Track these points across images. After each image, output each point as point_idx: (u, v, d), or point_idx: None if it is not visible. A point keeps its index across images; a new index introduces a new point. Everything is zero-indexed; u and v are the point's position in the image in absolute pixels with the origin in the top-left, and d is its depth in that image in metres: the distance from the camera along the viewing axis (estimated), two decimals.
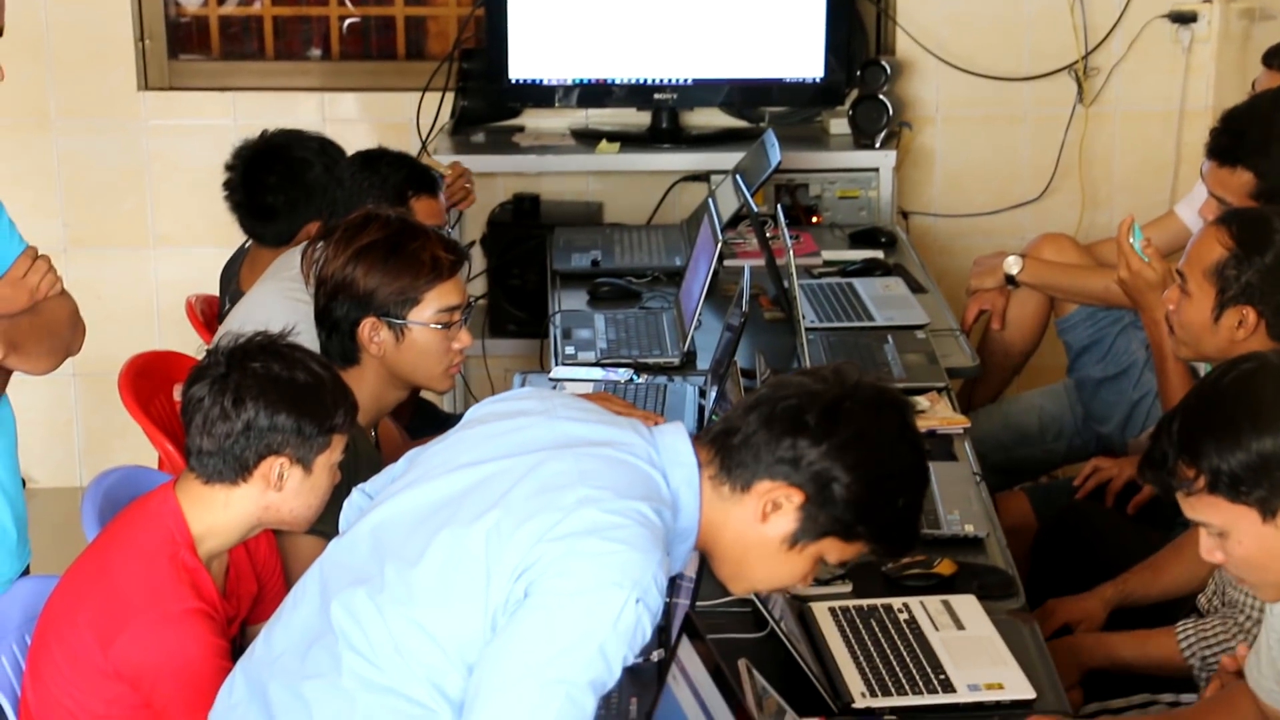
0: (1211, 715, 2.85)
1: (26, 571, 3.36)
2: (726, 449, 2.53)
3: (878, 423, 2.52)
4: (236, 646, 2.97)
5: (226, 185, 4.53)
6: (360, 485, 2.81)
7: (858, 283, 4.83)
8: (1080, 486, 4.17)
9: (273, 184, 4.43)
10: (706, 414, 3.80)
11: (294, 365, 2.95)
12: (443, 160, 5.09)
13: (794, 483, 2.49)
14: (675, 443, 2.54)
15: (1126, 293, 4.02)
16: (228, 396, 2.91)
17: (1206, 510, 2.53)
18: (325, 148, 4.48)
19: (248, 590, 3.12)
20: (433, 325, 3.40)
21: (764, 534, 2.52)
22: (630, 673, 2.45)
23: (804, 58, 5.52)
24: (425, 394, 4.30)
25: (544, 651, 2.34)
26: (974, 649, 3.11)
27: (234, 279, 4.54)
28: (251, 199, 4.46)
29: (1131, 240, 3.93)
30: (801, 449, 2.48)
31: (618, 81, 5.56)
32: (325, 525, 3.01)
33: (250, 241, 4.60)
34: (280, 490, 2.94)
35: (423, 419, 4.38)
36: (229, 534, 2.98)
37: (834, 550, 2.54)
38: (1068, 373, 4.71)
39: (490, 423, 2.61)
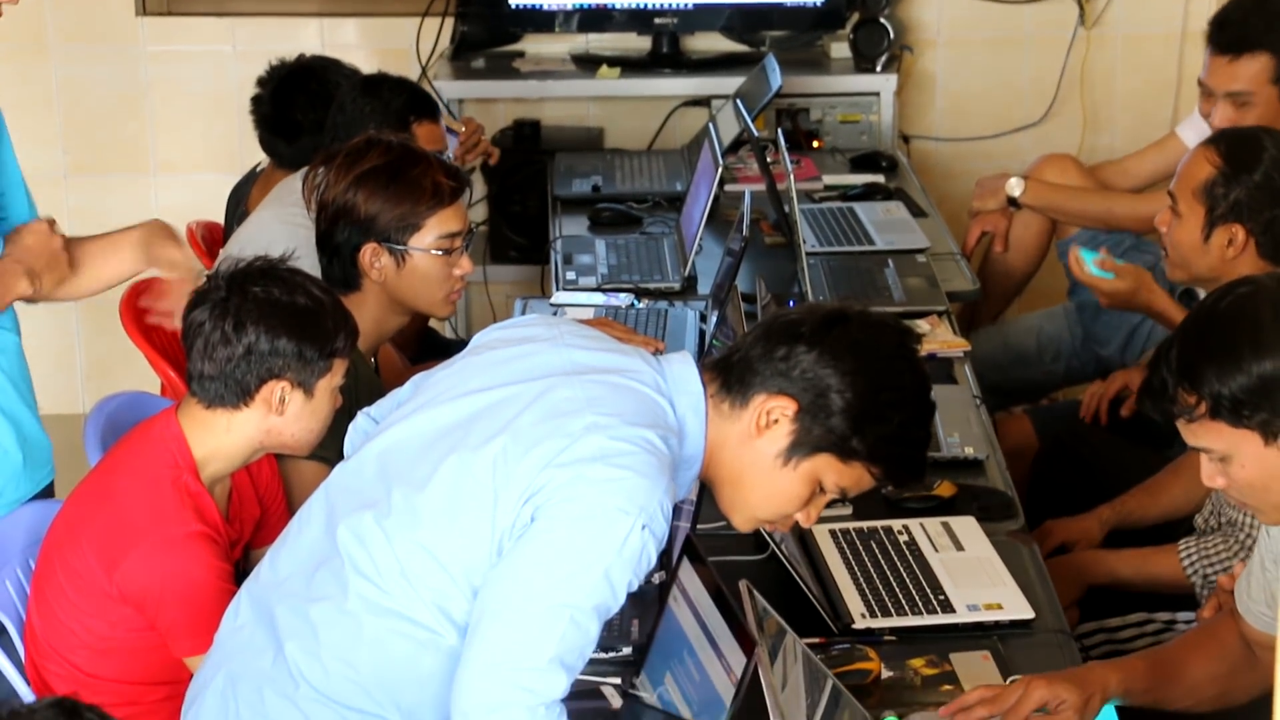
0: (1195, 648, 2.85)
1: (50, 493, 3.36)
2: (727, 368, 2.54)
3: (875, 338, 2.53)
4: (240, 570, 2.99)
5: (254, 100, 4.51)
6: (365, 409, 2.81)
7: (858, 207, 4.82)
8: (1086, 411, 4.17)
9: (302, 102, 4.41)
10: (707, 339, 3.80)
11: (294, 289, 2.95)
12: (449, 97, 5.06)
13: (788, 393, 2.50)
14: (682, 370, 2.55)
15: (1121, 308, 4.06)
16: (228, 321, 2.91)
17: (1208, 436, 2.54)
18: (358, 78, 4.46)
19: (250, 514, 3.13)
20: (434, 251, 3.40)
21: (759, 449, 2.53)
22: (632, 595, 2.47)
23: None
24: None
25: (549, 576, 2.36)
26: (973, 570, 3.13)
27: (242, 203, 4.54)
28: (278, 113, 4.44)
29: (1089, 269, 3.96)
30: (796, 356, 2.49)
31: (618, 6, 5.54)
32: (327, 450, 3.02)
33: (261, 166, 4.59)
34: (282, 414, 2.95)
35: (425, 345, 4.39)
36: (231, 458, 2.99)
37: (831, 471, 2.54)
38: (1068, 295, 4.71)
39: (498, 349, 2.62)
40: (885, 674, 2.83)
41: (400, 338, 3.99)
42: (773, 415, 2.50)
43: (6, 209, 3.27)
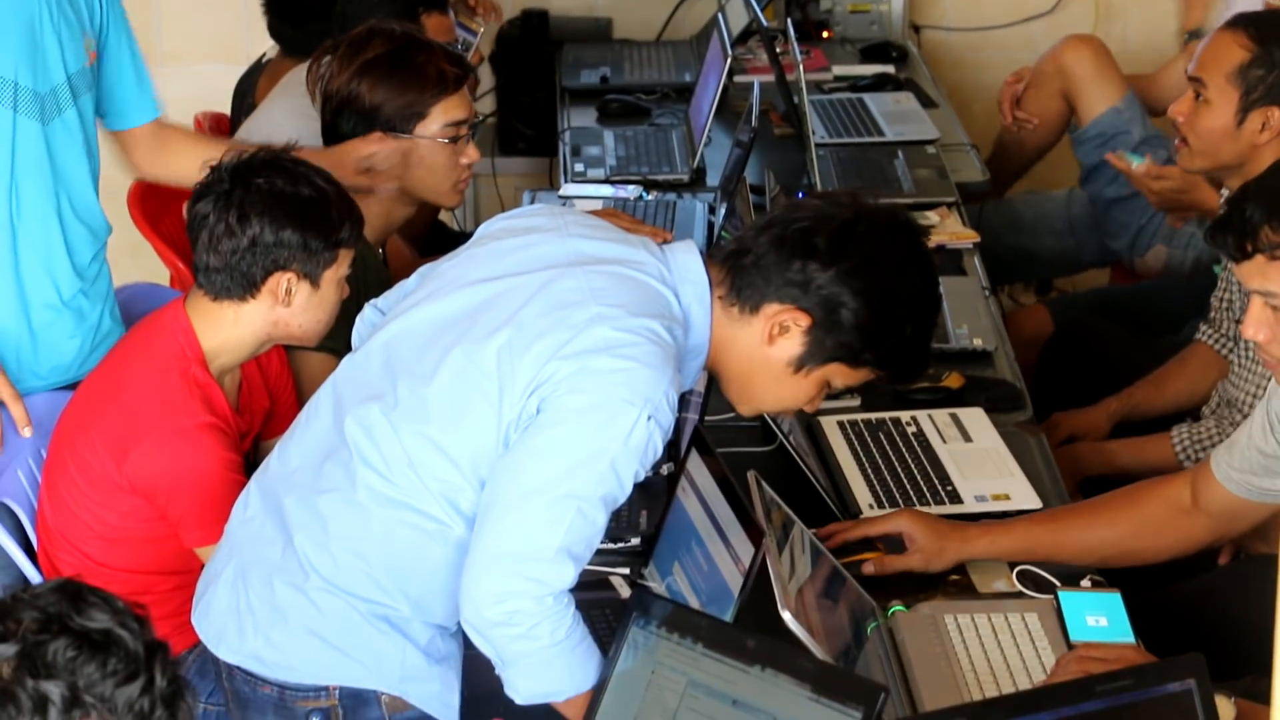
0: (1097, 512, 2.86)
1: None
2: (737, 270, 2.52)
3: (889, 248, 2.51)
4: (249, 462, 3.00)
5: None
6: (373, 301, 2.81)
7: (868, 98, 4.79)
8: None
9: None
10: (716, 231, 3.79)
11: (298, 180, 2.94)
12: None
13: (802, 306, 2.49)
14: (687, 260, 2.54)
15: (1173, 210, 4.03)
16: (232, 213, 2.91)
17: (1278, 278, 2.51)
18: None
19: (260, 405, 3.14)
20: (440, 139, 3.39)
21: (770, 356, 2.52)
22: (640, 486, 2.47)
23: None
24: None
25: (556, 467, 2.36)
26: (981, 461, 3.14)
27: (249, 94, 4.51)
28: None
29: (1134, 165, 3.94)
30: (811, 272, 2.47)
31: None
32: (335, 342, 3.02)
33: (267, 56, 4.56)
34: (288, 306, 2.95)
35: (434, 238, 4.37)
36: (239, 350, 2.99)
37: (840, 375, 2.54)
38: (1080, 184, 4.69)
39: (502, 239, 2.61)
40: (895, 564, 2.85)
41: (409, 230, 3.98)
42: (785, 325, 2.50)
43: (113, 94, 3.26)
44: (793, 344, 2.51)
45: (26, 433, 3.06)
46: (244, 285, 2.93)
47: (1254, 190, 2.53)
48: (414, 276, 2.70)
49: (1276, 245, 2.47)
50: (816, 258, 2.47)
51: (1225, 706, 2.37)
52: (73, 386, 3.19)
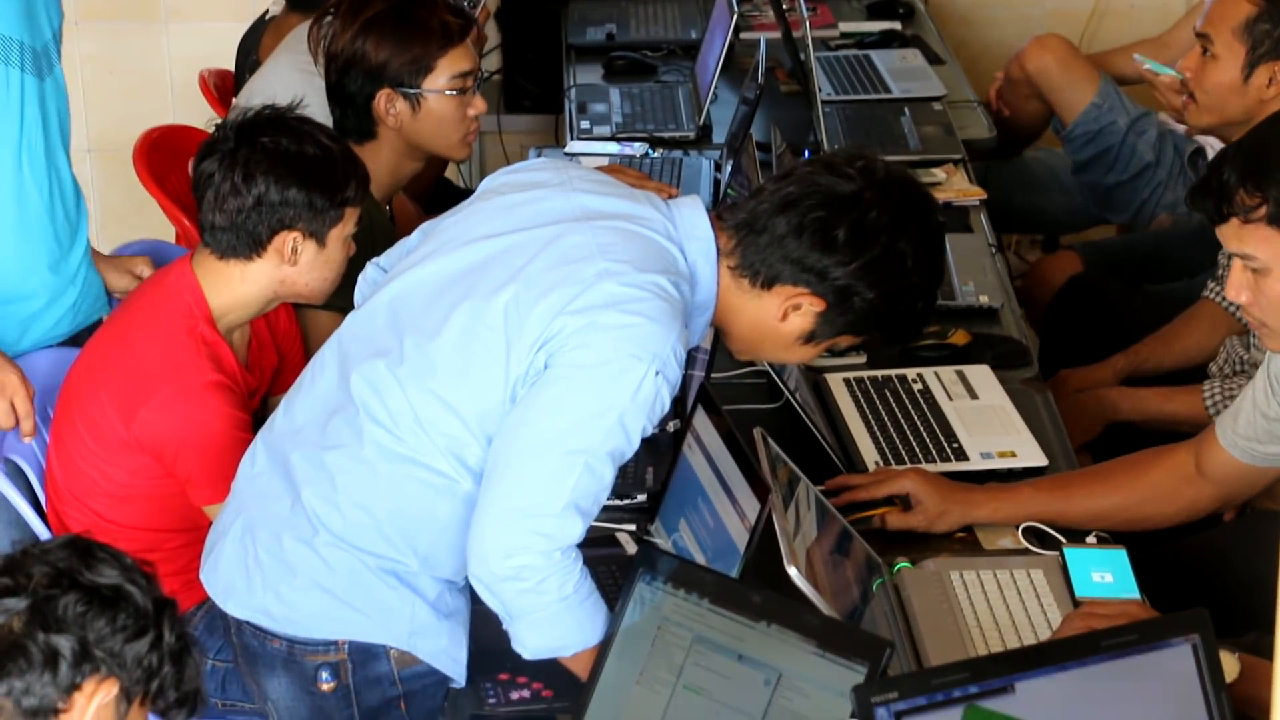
0: (1103, 479, 2.87)
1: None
2: (750, 245, 2.52)
3: (904, 235, 2.51)
4: (259, 419, 3.00)
5: None
6: (374, 259, 2.81)
7: (875, 54, 4.78)
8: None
9: None
10: (722, 188, 3.79)
11: (303, 139, 2.94)
12: None
13: (817, 292, 2.51)
14: (692, 216, 2.54)
15: (1206, 112, 4.02)
16: (237, 172, 2.91)
17: (1255, 241, 2.50)
18: None
19: (269, 363, 3.14)
20: (448, 92, 3.39)
21: (780, 329, 2.55)
22: (646, 443, 2.48)
23: None
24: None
25: (564, 422, 2.37)
26: (987, 418, 3.14)
27: (253, 51, 4.50)
28: None
29: (1156, 71, 3.92)
30: (828, 265, 2.49)
31: None
32: (343, 300, 3.02)
33: (271, 13, 4.54)
34: (295, 264, 2.95)
35: (440, 195, 4.37)
36: (247, 308, 3.00)
37: (845, 341, 2.61)
38: (1073, 173, 4.68)
39: (506, 194, 2.61)
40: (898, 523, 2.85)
41: (415, 187, 3.98)
42: (798, 305, 2.51)
43: None
44: (804, 321, 2.53)
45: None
46: (250, 244, 2.94)
47: (1232, 153, 2.54)
48: (415, 233, 2.70)
49: (1251, 209, 2.47)
50: (835, 252, 2.48)
51: (1229, 661, 2.37)
52: (74, 343, 3.21)
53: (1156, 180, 4.44)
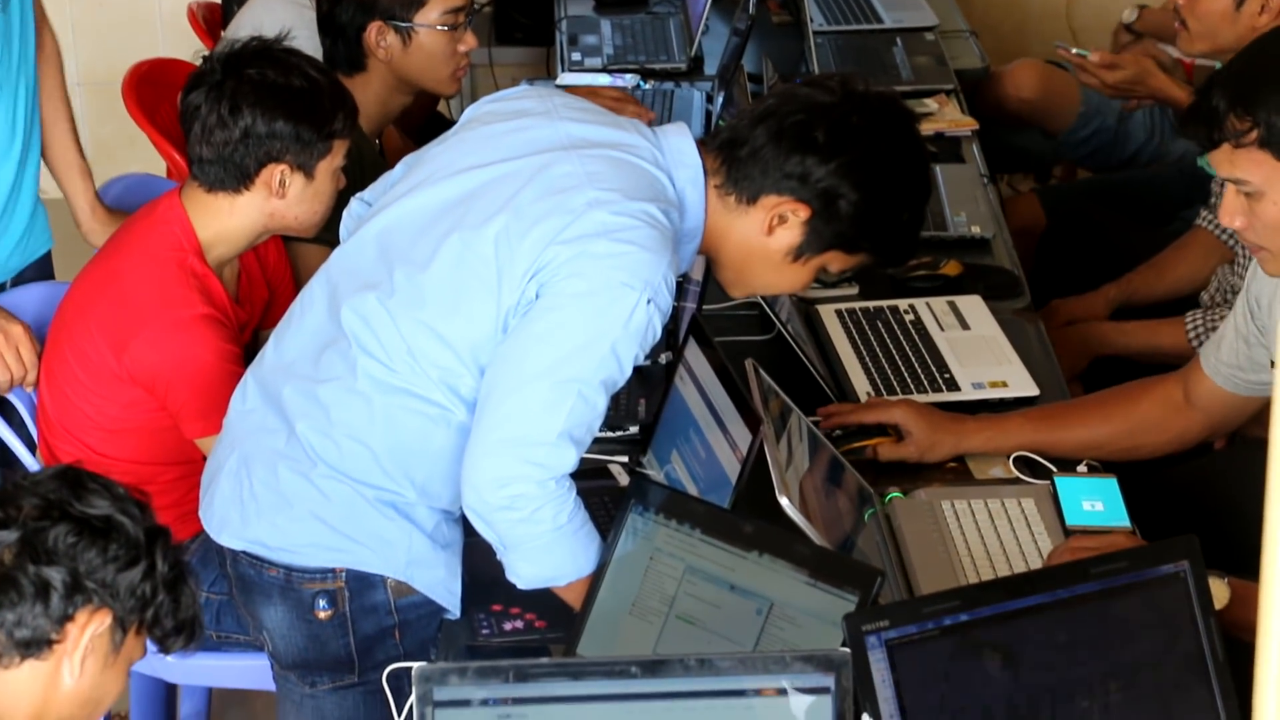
0: (1093, 409, 2.88)
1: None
2: (733, 161, 2.52)
3: (886, 138, 2.50)
4: (250, 352, 3.00)
5: None
6: (358, 194, 2.80)
7: None
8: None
9: None
10: (714, 119, 3.78)
11: (290, 71, 2.93)
12: None
13: (801, 198, 2.48)
14: (679, 143, 2.53)
15: (1133, 95, 4.03)
16: (224, 104, 2.89)
17: (1247, 166, 2.49)
18: None
19: (259, 296, 3.14)
20: (439, 27, 3.37)
21: (768, 245, 2.53)
22: (639, 374, 2.48)
23: None
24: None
25: (557, 351, 2.37)
26: (979, 348, 3.14)
27: None
28: None
29: (1080, 56, 3.93)
30: (810, 166, 2.47)
31: None
32: (331, 234, 3.02)
33: None
34: (283, 197, 2.94)
35: (431, 128, 4.35)
36: (236, 241, 2.99)
37: (836, 261, 2.56)
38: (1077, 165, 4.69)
39: (490, 124, 2.59)
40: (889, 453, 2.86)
41: (407, 121, 3.97)
42: (784, 216, 2.50)
43: None
44: (791, 234, 2.51)
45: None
46: (237, 177, 2.93)
47: (1220, 78, 2.52)
48: (399, 166, 2.69)
49: (1242, 133, 2.46)
50: (816, 151, 2.47)
51: (1220, 588, 2.38)
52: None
53: (1153, 146, 4.45)
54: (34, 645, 1.89)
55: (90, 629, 1.91)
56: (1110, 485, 2.74)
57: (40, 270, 3.32)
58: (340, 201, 2.97)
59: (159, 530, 1.98)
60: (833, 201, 2.47)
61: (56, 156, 3.30)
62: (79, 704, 1.94)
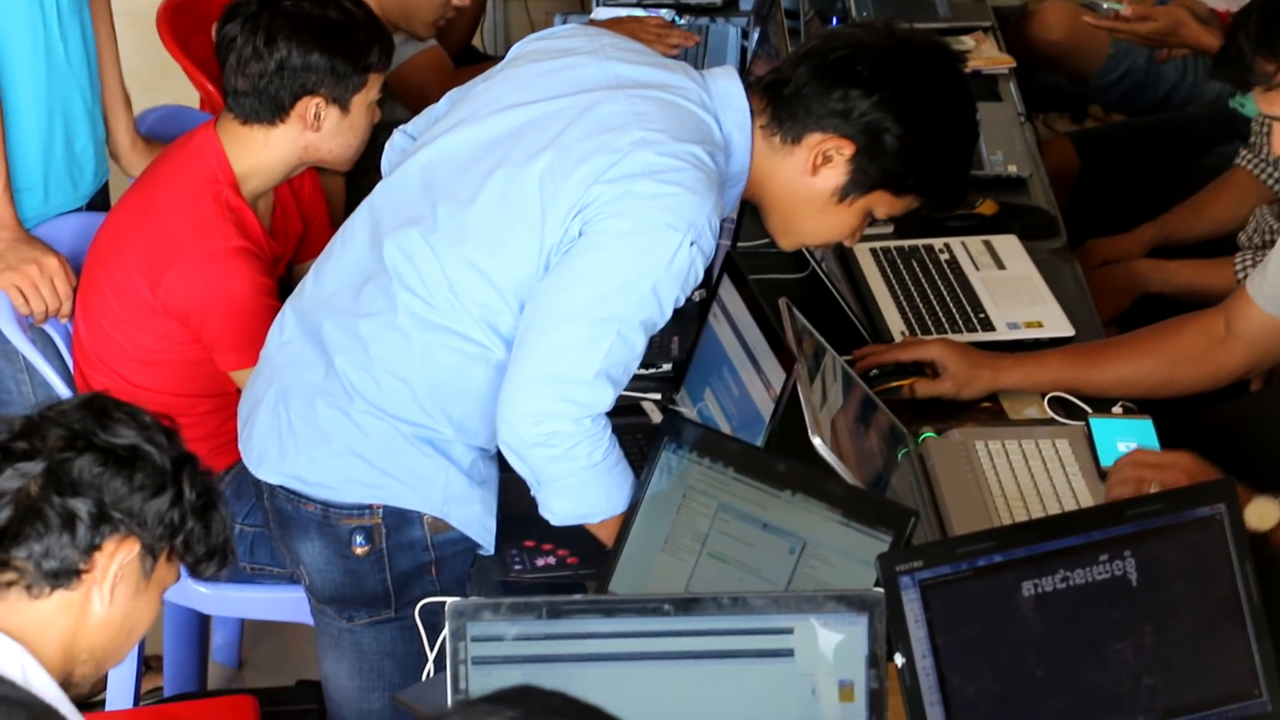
0: (1133, 347, 2.87)
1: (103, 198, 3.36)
2: (778, 100, 2.50)
3: (929, 74, 2.49)
4: (284, 286, 3.00)
5: None
6: (402, 126, 2.79)
7: None
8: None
9: None
10: (749, 56, 3.76)
11: (326, 3, 2.92)
12: None
13: (845, 134, 2.47)
14: (728, 86, 2.52)
15: (1166, 45, 4.00)
16: (260, 36, 2.89)
17: None
18: None
19: (294, 229, 3.13)
20: None
21: (813, 187, 2.51)
22: (673, 311, 2.47)
23: None
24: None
25: (598, 290, 2.36)
26: (1014, 288, 3.13)
27: None
28: None
29: (1112, 11, 3.90)
30: (853, 100, 2.45)
31: None
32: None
33: None
34: (318, 130, 2.94)
35: (464, 61, 4.34)
36: (271, 174, 2.99)
37: (883, 204, 2.53)
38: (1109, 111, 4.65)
39: (538, 61, 2.58)
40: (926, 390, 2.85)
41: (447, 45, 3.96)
42: (828, 155, 2.48)
43: None
44: (836, 173, 2.49)
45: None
46: (272, 109, 2.92)
47: (1242, 21, 2.51)
48: (444, 100, 2.68)
49: (1270, 75, 2.45)
50: (859, 85, 2.45)
51: (1272, 508, 2.39)
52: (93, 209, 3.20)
53: (1186, 87, 4.41)
54: (63, 575, 1.90)
55: (119, 558, 1.92)
56: (1145, 426, 2.73)
57: (104, 201, 3.32)
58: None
59: (186, 457, 1.99)
60: (877, 137, 2.46)
61: (104, 86, 3.29)
62: (112, 632, 1.95)
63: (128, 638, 1.98)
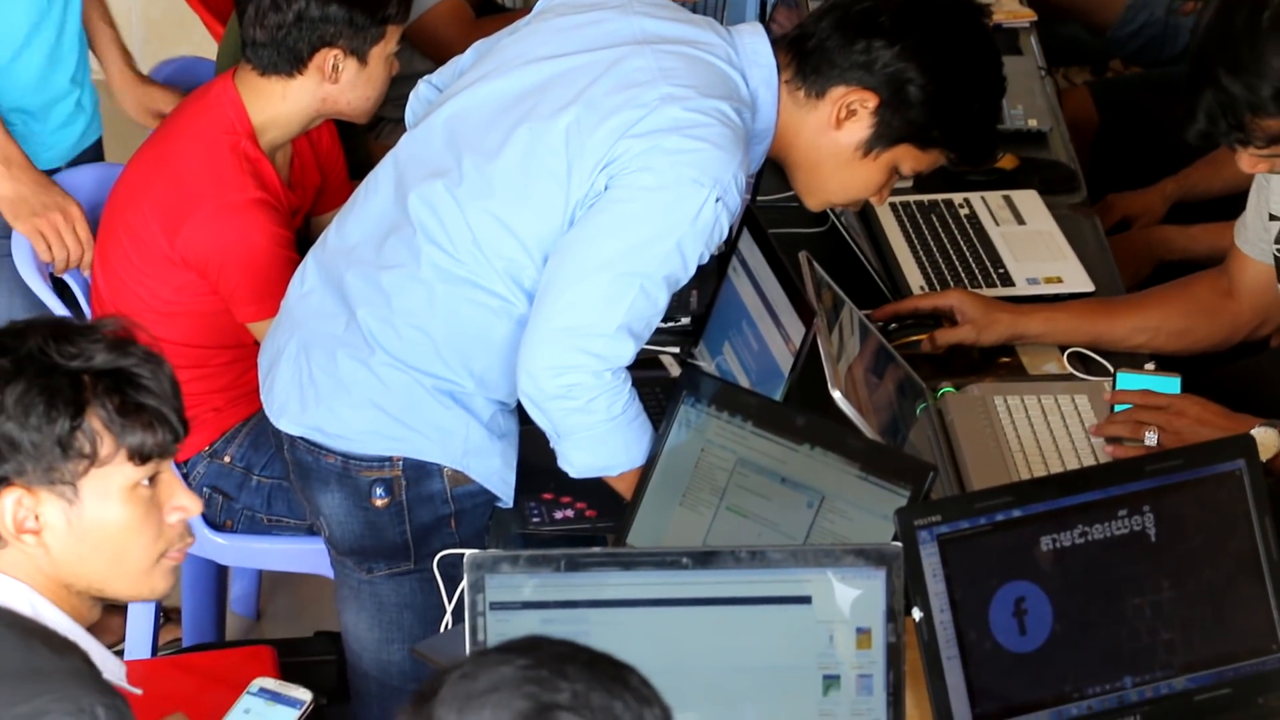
0: (1149, 302, 2.90)
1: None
2: (801, 55, 2.49)
3: (952, 24, 2.48)
4: (301, 239, 3.00)
5: None
6: (426, 77, 2.78)
7: None
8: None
9: None
10: (769, 8, 3.74)
11: None
12: None
13: (868, 86, 2.46)
14: (754, 43, 2.51)
15: None
16: None
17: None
18: None
19: (312, 181, 3.13)
20: None
21: (838, 141, 2.50)
22: None
23: None
24: None
25: (621, 244, 2.36)
26: (1034, 243, 3.12)
27: None
28: None
29: None
30: (876, 51, 2.45)
31: None
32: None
33: None
34: (336, 82, 2.93)
35: (487, 12, 4.33)
36: (289, 125, 2.98)
37: (909, 159, 2.52)
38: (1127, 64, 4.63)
39: (565, 15, 2.57)
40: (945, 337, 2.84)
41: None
42: (852, 108, 2.47)
43: None
44: (860, 127, 2.49)
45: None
46: (290, 61, 2.92)
47: (1195, 92, 2.54)
48: (469, 52, 2.67)
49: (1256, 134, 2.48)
50: (881, 35, 2.44)
51: (1271, 438, 2.40)
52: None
53: None
54: None
55: (13, 514, 1.88)
56: (1173, 384, 2.71)
57: (95, 155, 3.33)
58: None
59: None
60: (901, 88, 2.45)
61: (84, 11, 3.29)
62: (83, 558, 1.91)
63: (111, 551, 1.93)
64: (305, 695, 2.15)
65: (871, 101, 2.46)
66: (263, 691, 2.15)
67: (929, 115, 2.46)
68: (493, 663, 1.39)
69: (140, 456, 1.91)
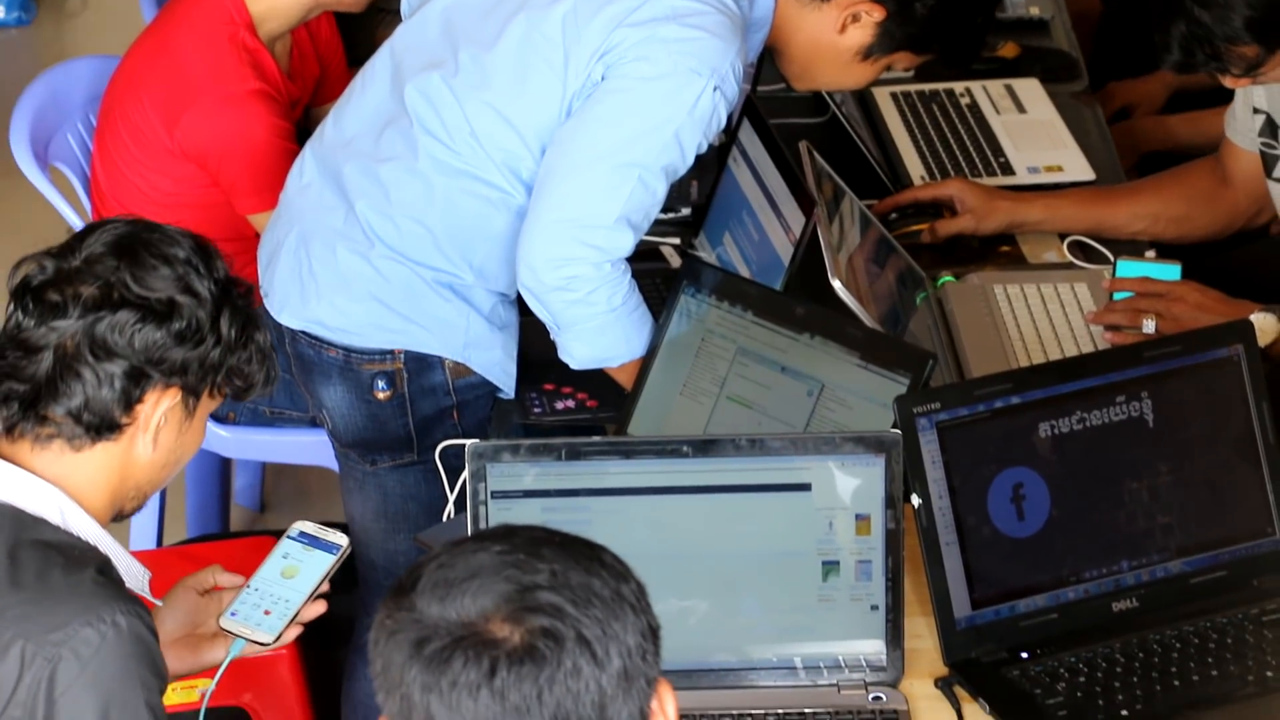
0: (1147, 189, 2.90)
1: None
2: None
3: None
4: (301, 129, 2.99)
5: None
6: None
7: None
8: None
9: None
10: None
11: None
12: None
13: None
14: None
15: None
16: None
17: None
18: None
19: (311, 72, 3.12)
20: None
21: (839, 44, 2.51)
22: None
23: None
24: None
25: (619, 135, 2.35)
26: (1035, 132, 3.12)
27: None
28: None
29: None
30: None
31: None
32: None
33: None
34: None
35: None
36: (287, 16, 2.97)
37: (904, 61, 2.56)
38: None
39: None
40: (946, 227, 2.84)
41: None
42: (857, 16, 2.48)
43: None
44: (863, 33, 2.50)
45: None
46: None
47: (1173, 31, 2.51)
48: None
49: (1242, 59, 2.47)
50: None
51: (1270, 323, 2.41)
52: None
53: None
54: (104, 429, 1.90)
55: (162, 406, 1.92)
56: (1174, 271, 2.71)
57: None
58: None
59: (224, 292, 1.96)
60: (908, 5, 2.46)
61: None
62: (158, 468, 1.97)
63: (174, 468, 2.01)
64: (342, 540, 2.16)
65: (878, 14, 2.47)
66: (302, 535, 2.17)
67: (932, 29, 2.49)
68: (469, 551, 1.41)
69: (238, 394, 2.01)
